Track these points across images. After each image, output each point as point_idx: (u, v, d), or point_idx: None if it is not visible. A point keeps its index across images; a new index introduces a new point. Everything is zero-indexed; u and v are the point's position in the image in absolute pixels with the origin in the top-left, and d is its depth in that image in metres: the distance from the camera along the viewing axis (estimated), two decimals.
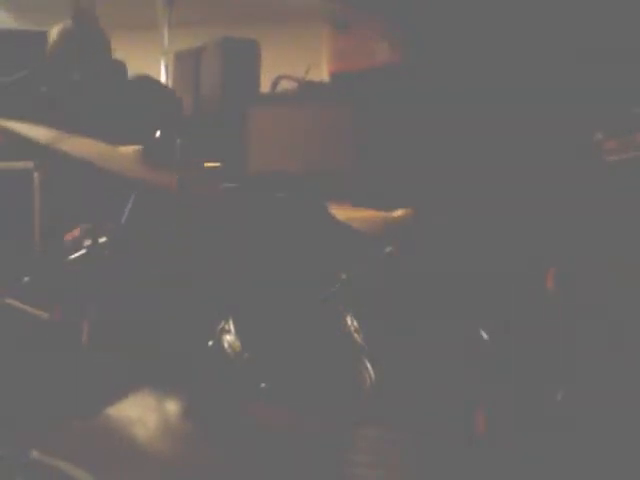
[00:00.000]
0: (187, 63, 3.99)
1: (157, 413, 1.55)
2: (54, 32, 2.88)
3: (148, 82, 3.14)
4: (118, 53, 3.39)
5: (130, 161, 1.93)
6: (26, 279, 1.87)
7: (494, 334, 2.02)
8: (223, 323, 1.88)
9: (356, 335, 1.94)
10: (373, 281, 2.08)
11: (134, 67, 3.93)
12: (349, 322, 1.96)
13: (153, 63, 4.83)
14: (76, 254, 1.87)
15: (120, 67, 3.27)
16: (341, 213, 2.19)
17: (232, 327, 1.85)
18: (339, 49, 3.25)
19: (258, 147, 3.31)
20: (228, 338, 1.85)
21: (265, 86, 3.68)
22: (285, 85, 3.55)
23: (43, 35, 3.62)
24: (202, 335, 1.88)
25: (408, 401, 1.85)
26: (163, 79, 4.85)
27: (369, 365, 1.86)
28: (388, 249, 2.10)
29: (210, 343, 1.85)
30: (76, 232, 2.74)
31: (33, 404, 1.83)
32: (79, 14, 2.86)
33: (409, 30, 3.06)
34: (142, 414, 1.52)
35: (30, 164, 2.86)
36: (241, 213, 2.59)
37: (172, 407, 1.59)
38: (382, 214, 2.23)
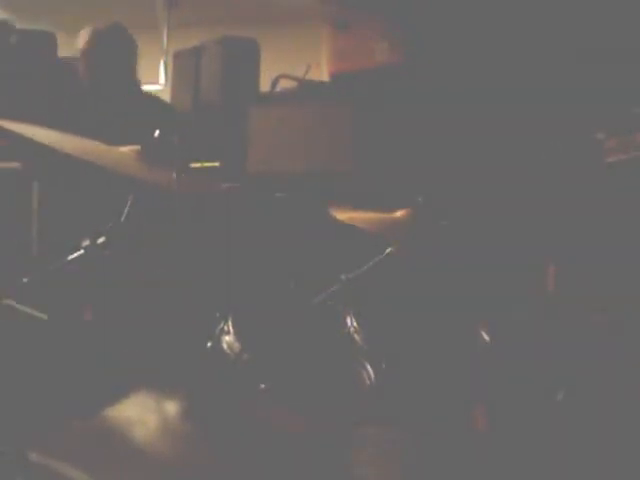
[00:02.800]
0: (187, 63, 3.99)
1: (157, 413, 1.55)
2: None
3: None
4: None
5: (129, 161, 1.93)
6: (26, 279, 1.87)
7: (494, 334, 2.02)
8: (222, 324, 1.88)
9: (356, 335, 1.93)
10: (373, 281, 2.07)
11: None
12: (349, 322, 1.96)
13: (153, 63, 4.84)
14: (75, 254, 1.87)
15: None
16: (341, 213, 2.19)
17: (231, 328, 1.85)
18: (339, 49, 3.24)
19: (258, 147, 3.31)
20: (227, 339, 1.85)
21: (265, 86, 3.68)
22: (285, 85, 3.55)
23: (43, 35, 3.63)
24: (201, 336, 1.88)
25: (408, 401, 1.85)
26: (163, 79, 4.86)
27: (369, 365, 1.86)
28: (388, 249, 2.10)
29: (209, 344, 1.84)
30: None
31: (33, 404, 1.83)
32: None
33: (409, 30, 3.06)
34: (142, 414, 1.52)
35: (30, 164, 2.86)
36: (241, 213, 2.59)
37: (172, 407, 1.59)
38: (382, 215, 2.23)
